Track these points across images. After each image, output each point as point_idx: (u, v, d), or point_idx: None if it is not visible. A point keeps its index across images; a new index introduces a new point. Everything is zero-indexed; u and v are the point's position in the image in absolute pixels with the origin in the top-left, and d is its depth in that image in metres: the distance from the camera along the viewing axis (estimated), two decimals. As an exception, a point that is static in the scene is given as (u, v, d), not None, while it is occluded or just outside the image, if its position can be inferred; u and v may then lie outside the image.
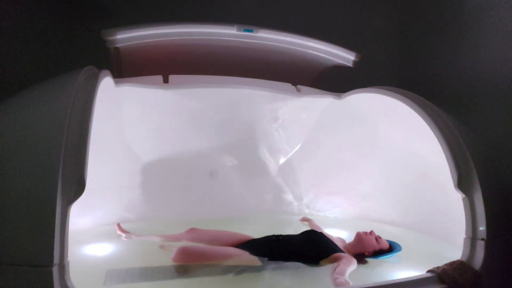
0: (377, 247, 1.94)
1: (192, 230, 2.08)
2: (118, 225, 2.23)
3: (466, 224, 1.69)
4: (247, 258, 1.81)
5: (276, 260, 1.82)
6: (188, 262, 1.79)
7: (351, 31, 3.44)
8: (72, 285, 1.25)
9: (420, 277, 1.55)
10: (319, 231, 2.15)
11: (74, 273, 1.27)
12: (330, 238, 2.05)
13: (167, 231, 2.20)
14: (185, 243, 1.99)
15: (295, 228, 2.37)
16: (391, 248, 1.99)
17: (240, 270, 1.75)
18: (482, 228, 1.64)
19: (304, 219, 2.63)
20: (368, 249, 1.93)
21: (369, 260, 1.95)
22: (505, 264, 1.71)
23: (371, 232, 1.99)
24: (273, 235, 2.00)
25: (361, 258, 1.92)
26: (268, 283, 1.69)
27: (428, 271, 1.59)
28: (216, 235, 2.05)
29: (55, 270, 1.19)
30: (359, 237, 1.97)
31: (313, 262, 1.82)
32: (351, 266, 1.73)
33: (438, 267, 1.59)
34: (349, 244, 2.02)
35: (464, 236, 1.70)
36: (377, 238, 1.97)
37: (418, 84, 3.29)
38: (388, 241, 2.02)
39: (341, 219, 2.79)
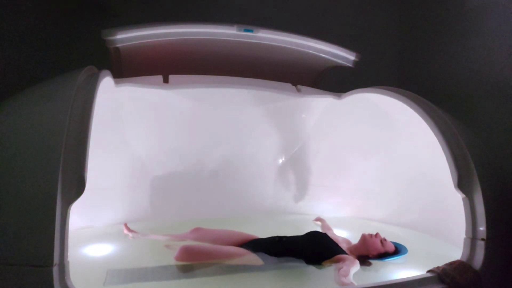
0: (381, 250, 1.92)
1: (197, 229, 2.08)
2: (125, 225, 2.23)
3: (466, 224, 1.69)
4: (249, 257, 1.82)
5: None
6: (191, 261, 1.79)
7: (351, 31, 3.44)
8: (72, 285, 1.25)
9: (420, 277, 1.55)
10: (325, 232, 2.15)
11: (74, 273, 1.27)
12: (335, 239, 2.04)
13: (167, 231, 2.20)
14: (190, 242, 1.99)
15: (295, 228, 2.37)
16: (397, 250, 1.97)
17: (242, 269, 1.75)
18: (482, 228, 1.64)
19: (318, 219, 2.61)
20: (372, 252, 1.92)
21: (373, 261, 1.93)
22: (505, 264, 1.71)
23: (377, 235, 1.97)
24: (277, 236, 1.99)
25: (364, 260, 1.90)
26: (270, 283, 1.69)
27: (428, 271, 1.59)
28: (220, 234, 2.05)
29: (55, 270, 1.19)
30: (364, 239, 1.96)
31: (316, 263, 1.82)
32: (354, 267, 1.73)
33: (438, 267, 1.59)
34: (354, 246, 2.01)
35: (464, 236, 1.70)
36: (382, 241, 1.95)
37: (418, 84, 3.30)
38: (394, 243, 2.00)
39: (341, 219, 2.78)
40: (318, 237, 1.99)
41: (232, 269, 1.77)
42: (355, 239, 2.09)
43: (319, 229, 2.29)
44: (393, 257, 1.94)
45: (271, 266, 1.80)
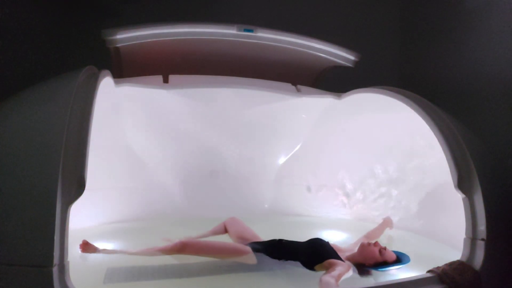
0: (379, 259, 1.84)
1: (184, 244, 1.83)
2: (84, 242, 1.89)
3: (466, 224, 1.69)
4: (245, 255, 1.82)
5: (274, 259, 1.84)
6: (186, 253, 1.79)
7: (351, 31, 3.44)
8: (72, 285, 1.25)
9: (420, 277, 1.55)
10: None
11: (74, 273, 1.27)
12: (336, 247, 1.99)
13: (166, 230, 2.20)
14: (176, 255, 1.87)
15: (294, 230, 2.37)
16: (398, 259, 1.88)
17: (239, 269, 1.76)
18: (482, 228, 1.64)
19: (385, 220, 2.41)
20: (369, 261, 1.86)
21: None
22: (505, 264, 1.71)
23: (376, 243, 1.88)
24: (277, 239, 2.00)
25: (362, 268, 1.86)
26: (266, 284, 1.70)
27: (428, 271, 1.59)
28: (212, 246, 1.92)
29: (55, 270, 1.19)
30: (362, 248, 1.90)
31: (310, 267, 1.82)
32: (345, 272, 1.69)
33: (438, 267, 1.59)
34: (352, 254, 1.96)
35: (464, 236, 1.70)
36: (382, 250, 1.86)
37: (418, 84, 3.29)
38: (395, 252, 1.92)
39: (341, 220, 2.79)
40: (316, 243, 1.96)
41: (230, 269, 1.78)
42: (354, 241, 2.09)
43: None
44: (391, 266, 1.85)
45: (268, 266, 1.80)
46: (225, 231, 2.18)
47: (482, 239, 1.63)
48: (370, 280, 1.81)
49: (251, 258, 1.81)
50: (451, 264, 1.60)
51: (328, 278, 1.56)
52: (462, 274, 1.54)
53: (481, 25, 2.73)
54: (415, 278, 1.54)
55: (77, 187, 1.28)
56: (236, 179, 2.84)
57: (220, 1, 3.14)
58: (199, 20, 2.41)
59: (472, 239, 1.66)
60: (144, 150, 2.58)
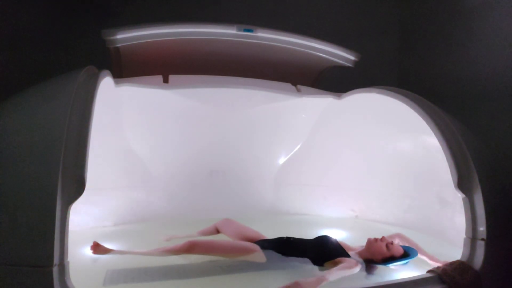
0: (386, 254, 1.86)
1: (192, 243, 1.83)
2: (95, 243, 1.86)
3: (466, 224, 1.69)
4: (253, 254, 1.82)
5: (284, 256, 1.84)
6: (195, 253, 1.78)
7: (351, 31, 3.44)
8: (72, 285, 1.25)
9: (420, 277, 1.56)
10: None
11: (74, 273, 1.27)
12: (343, 245, 2.00)
13: (165, 230, 2.20)
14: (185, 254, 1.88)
15: (297, 228, 2.37)
16: (406, 254, 1.89)
17: (243, 269, 1.76)
18: (482, 228, 1.64)
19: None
20: (377, 257, 1.87)
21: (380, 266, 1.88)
22: (505, 264, 1.71)
23: (382, 239, 1.90)
24: (285, 236, 2.00)
25: (371, 264, 1.87)
26: (272, 283, 1.69)
27: (428, 271, 1.59)
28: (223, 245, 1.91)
29: (55, 270, 1.19)
30: (369, 244, 1.91)
31: (319, 264, 1.82)
32: (351, 270, 1.71)
33: (438, 267, 1.59)
34: (360, 250, 1.98)
35: (464, 236, 1.70)
36: (388, 245, 1.87)
37: (418, 84, 3.30)
38: (403, 246, 1.94)
39: (341, 219, 2.79)
40: (325, 241, 1.98)
41: (233, 269, 1.77)
42: (356, 240, 2.08)
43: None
44: (399, 260, 1.87)
45: (276, 265, 1.80)
46: (216, 232, 2.19)
47: (482, 239, 1.63)
48: (370, 280, 1.81)
49: (260, 256, 1.82)
50: (451, 264, 1.60)
51: (323, 276, 1.58)
52: (462, 274, 1.54)
53: (481, 25, 2.73)
54: (415, 278, 1.54)
55: (77, 187, 1.28)
56: (237, 179, 2.84)
57: (220, 1, 3.14)
58: (199, 20, 2.41)
59: (472, 239, 1.66)
60: (144, 150, 2.58)
